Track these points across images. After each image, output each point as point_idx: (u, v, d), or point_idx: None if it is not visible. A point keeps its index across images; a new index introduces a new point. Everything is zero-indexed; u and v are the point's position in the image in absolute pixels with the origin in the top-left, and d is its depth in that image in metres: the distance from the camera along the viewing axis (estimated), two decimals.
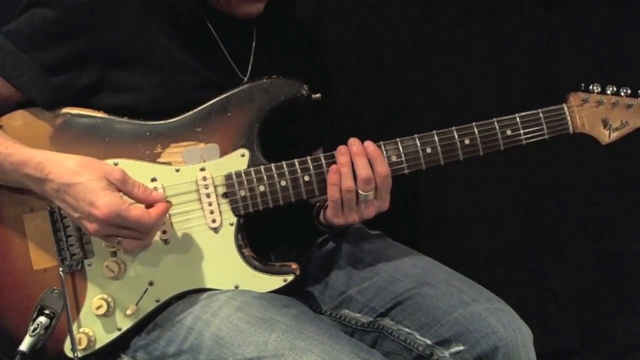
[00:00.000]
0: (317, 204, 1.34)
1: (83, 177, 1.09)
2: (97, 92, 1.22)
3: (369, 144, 1.22)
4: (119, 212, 1.07)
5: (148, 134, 1.22)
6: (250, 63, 1.33)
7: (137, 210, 1.09)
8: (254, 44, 1.34)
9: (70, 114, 1.21)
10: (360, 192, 1.20)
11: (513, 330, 1.20)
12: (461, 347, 1.20)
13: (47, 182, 1.11)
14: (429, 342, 1.23)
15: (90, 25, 1.20)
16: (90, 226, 1.09)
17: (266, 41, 1.36)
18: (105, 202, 1.07)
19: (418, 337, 1.24)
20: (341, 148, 1.22)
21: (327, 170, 1.22)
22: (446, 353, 1.21)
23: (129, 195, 1.12)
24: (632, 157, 1.88)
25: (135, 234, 1.11)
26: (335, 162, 1.22)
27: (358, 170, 1.20)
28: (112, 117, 1.22)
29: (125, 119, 1.22)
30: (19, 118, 1.21)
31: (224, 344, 1.11)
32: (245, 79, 1.31)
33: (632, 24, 1.83)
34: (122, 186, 1.11)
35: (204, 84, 1.26)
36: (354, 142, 1.22)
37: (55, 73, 1.20)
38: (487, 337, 1.19)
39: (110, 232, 1.10)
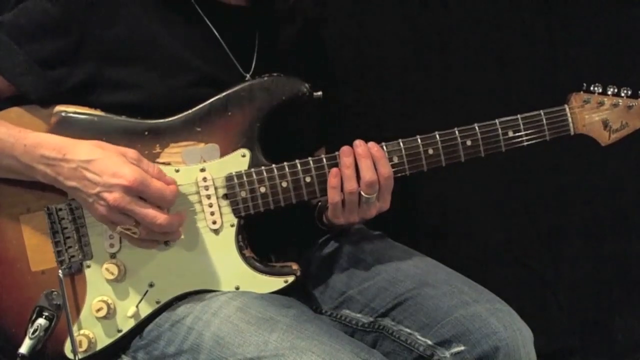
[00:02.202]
0: (319, 203, 1.34)
1: (103, 153, 1.10)
2: (93, 89, 1.20)
3: (372, 145, 1.21)
4: (143, 179, 1.09)
5: (146, 133, 1.20)
6: (254, 61, 1.31)
7: (159, 182, 1.11)
8: (256, 42, 1.33)
9: (66, 111, 1.19)
10: (363, 194, 1.20)
11: (514, 331, 1.20)
12: (462, 348, 1.20)
13: (64, 162, 1.10)
14: (429, 342, 1.23)
15: (88, 19, 1.18)
16: (111, 197, 1.08)
17: (269, 39, 1.34)
18: (129, 170, 1.08)
19: (419, 337, 1.24)
20: (345, 149, 1.21)
21: (329, 172, 1.21)
22: (447, 353, 1.21)
23: None
24: (631, 157, 1.88)
25: (151, 213, 1.10)
26: (337, 164, 1.21)
27: (362, 172, 1.19)
28: (110, 116, 1.20)
29: (123, 118, 1.20)
30: (14, 115, 1.19)
31: (224, 344, 1.11)
32: (248, 76, 1.29)
33: (633, 24, 1.83)
34: (138, 164, 1.11)
35: (204, 80, 1.24)
36: (359, 143, 1.21)
37: (50, 67, 1.18)
38: (487, 338, 1.19)
39: (130, 206, 1.08)
